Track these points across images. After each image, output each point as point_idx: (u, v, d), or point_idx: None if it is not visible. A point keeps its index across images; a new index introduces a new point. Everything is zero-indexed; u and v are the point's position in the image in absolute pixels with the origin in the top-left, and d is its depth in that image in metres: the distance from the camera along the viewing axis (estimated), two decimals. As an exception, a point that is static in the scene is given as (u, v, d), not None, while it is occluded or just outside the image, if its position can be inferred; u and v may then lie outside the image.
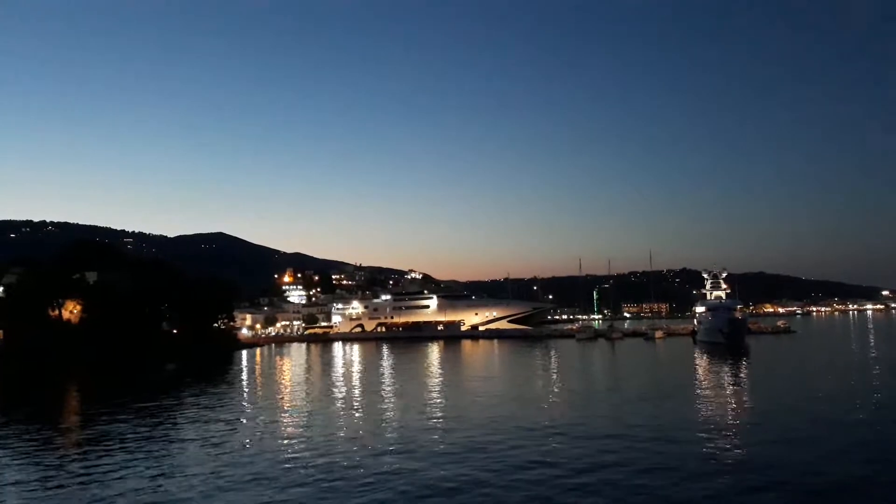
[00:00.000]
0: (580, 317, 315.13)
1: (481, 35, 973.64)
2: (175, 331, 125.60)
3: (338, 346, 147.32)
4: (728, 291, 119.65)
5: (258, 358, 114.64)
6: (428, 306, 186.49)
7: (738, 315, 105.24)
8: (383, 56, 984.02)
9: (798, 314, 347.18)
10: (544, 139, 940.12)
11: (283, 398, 56.24)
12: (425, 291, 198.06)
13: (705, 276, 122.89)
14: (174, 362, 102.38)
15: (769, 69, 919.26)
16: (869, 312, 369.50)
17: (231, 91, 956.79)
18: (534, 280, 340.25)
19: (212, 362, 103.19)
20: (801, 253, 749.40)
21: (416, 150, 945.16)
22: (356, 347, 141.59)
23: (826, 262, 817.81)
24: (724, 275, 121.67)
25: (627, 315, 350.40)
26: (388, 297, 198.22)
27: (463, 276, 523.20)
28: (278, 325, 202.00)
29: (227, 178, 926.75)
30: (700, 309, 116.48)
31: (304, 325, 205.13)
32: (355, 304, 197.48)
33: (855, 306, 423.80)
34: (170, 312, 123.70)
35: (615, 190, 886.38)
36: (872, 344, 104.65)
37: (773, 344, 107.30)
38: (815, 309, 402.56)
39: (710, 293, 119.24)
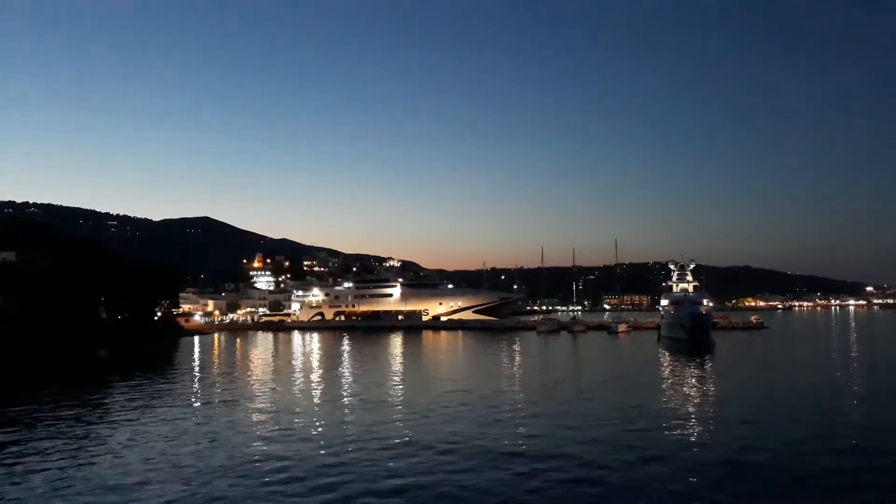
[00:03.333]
0: (559, 308, 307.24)
1: (459, 31, 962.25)
2: (116, 317, 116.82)
3: (286, 336, 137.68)
4: (696, 284, 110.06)
5: (200, 346, 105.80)
6: (391, 294, 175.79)
7: (703, 309, 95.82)
8: (372, 48, 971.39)
9: (779, 309, 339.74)
10: (539, 127, 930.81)
11: (207, 389, 50.62)
12: (400, 280, 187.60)
13: (672, 266, 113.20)
14: (107, 349, 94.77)
15: (756, 63, 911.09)
16: (851, 308, 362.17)
17: (219, 76, 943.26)
18: (520, 270, 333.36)
19: (147, 350, 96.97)
20: (788, 248, 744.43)
21: (408, 136, 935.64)
22: (302, 337, 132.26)
23: (812, 258, 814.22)
24: (692, 266, 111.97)
25: (607, 307, 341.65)
26: (350, 284, 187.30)
27: (451, 265, 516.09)
28: (239, 312, 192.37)
29: (213, 162, 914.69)
30: (664, 302, 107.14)
31: (268, 311, 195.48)
32: (316, 290, 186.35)
33: (837, 302, 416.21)
34: (105, 297, 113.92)
35: (606, 180, 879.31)
36: (841, 342, 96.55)
37: (742, 341, 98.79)
38: (797, 304, 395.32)
39: (676, 285, 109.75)
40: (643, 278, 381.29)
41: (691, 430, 31.36)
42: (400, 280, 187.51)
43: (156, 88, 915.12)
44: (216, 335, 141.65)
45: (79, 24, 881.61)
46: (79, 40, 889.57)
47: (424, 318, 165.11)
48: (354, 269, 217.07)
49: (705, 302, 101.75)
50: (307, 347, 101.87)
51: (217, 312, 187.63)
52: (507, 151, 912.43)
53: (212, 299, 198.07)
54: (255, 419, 35.76)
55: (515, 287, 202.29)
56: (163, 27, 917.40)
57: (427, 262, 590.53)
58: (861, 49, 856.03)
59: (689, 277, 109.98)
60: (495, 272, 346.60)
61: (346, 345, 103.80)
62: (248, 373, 63.04)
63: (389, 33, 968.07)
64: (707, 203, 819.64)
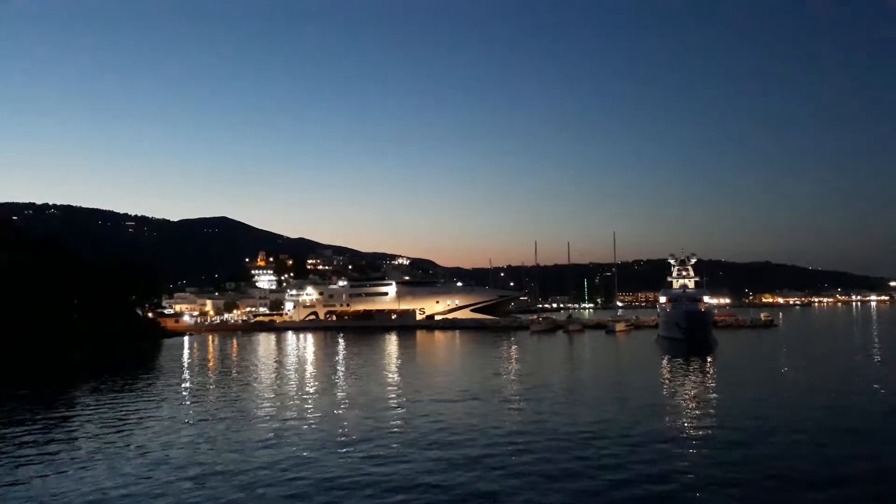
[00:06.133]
0: (570, 305, 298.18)
1: (463, 33, 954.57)
2: (89, 318, 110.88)
3: (269, 337, 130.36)
4: (697, 280, 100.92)
5: (176, 348, 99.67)
6: (386, 293, 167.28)
7: (702, 307, 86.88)
8: (386, 51, 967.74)
9: (797, 305, 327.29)
10: (555, 127, 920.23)
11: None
12: (407, 278, 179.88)
13: (671, 261, 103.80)
14: (80, 353, 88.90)
15: (769, 55, 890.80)
16: (872, 303, 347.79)
17: (237, 77, 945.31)
18: (534, 267, 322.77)
19: (121, 353, 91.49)
20: (809, 243, 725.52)
21: (424, 134, 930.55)
22: (284, 338, 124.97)
23: (834, 253, 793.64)
24: (693, 261, 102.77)
25: (620, 304, 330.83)
26: (345, 282, 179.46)
27: (467, 263, 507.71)
28: (236, 311, 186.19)
29: (231, 162, 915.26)
30: (662, 299, 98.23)
31: (267, 311, 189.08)
32: (310, 289, 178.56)
33: (858, 297, 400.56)
34: (76, 298, 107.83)
35: (624, 177, 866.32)
36: (853, 339, 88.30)
37: (748, 340, 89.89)
38: (816, 300, 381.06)
39: (676, 281, 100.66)
40: (661, 275, 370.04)
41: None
42: (407, 278, 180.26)
43: (174, 90, 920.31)
44: (205, 336, 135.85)
45: (97, 26, 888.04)
46: (97, 43, 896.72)
47: (418, 318, 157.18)
48: (350, 266, 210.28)
49: (705, 299, 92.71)
50: (280, 351, 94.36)
51: (212, 312, 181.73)
52: (522, 151, 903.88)
53: (210, 299, 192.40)
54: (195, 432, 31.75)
55: (512, 285, 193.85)
56: (181, 28, 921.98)
57: (444, 260, 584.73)
58: (882, 44, 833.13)
59: (691, 273, 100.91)
60: (511, 269, 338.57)
61: (319, 348, 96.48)
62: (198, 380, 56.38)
63: (400, 36, 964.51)
64: (727, 199, 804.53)
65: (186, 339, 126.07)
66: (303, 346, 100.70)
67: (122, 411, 37.87)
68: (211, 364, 73.56)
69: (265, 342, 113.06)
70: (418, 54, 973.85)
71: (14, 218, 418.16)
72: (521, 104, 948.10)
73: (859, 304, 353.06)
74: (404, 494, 20.56)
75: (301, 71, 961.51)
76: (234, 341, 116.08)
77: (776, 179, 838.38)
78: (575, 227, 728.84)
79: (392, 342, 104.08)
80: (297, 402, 41.25)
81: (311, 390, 47.43)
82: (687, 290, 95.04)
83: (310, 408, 38.38)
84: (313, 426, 32.33)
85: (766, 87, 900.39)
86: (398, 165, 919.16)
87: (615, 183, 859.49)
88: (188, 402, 42.56)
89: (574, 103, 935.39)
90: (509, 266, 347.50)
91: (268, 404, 40.34)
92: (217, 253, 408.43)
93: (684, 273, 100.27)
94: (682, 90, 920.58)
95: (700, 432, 29.06)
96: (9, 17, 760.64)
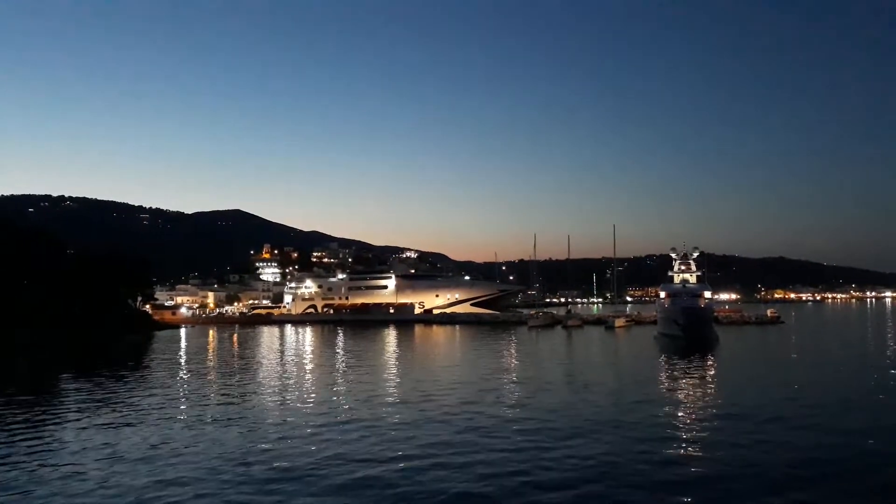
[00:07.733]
0: (578, 300, 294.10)
1: (465, 32, 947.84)
2: (75, 310, 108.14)
3: (262, 330, 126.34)
4: (698, 275, 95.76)
5: (160, 342, 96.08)
6: (386, 286, 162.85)
7: (702, 303, 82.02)
8: (392, 46, 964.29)
9: (810, 301, 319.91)
10: (568, 121, 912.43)
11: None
12: (412, 271, 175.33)
13: (673, 255, 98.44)
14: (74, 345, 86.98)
15: (780, 53, 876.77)
16: (887, 300, 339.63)
17: (251, 69, 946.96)
18: (547, 262, 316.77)
19: (109, 345, 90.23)
20: (823, 238, 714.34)
21: (440, 131, 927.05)
22: (279, 331, 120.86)
23: (850, 249, 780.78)
24: (696, 255, 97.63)
25: (630, 299, 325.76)
26: (343, 275, 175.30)
27: (479, 257, 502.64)
28: (238, 304, 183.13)
29: (246, 155, 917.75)
30: (661, 294, 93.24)
31: (270, 304, 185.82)
32: (308, 282, 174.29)
33: (873, 293, 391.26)
34: (60, 289, 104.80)
35: (625, 171, 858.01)
36: (865, 339, 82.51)
37: (751, 337, 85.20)
38: (830, 296, 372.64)
39: (677, 276, 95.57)
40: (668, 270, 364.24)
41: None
42: (412, 271, 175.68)
43: (189, 84, 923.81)
44: (202, 329, 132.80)
45: (113, 20, 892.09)
46: (113, 37, 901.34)
47: (417, 311, 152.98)
48: (351, 259, 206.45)
49: (707, 294, 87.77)
50: (268, 345, 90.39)
51: (213, 304, 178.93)
52: (527, 145, 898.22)
53: (211, 291, 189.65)
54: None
55: (512, 278, 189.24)
56: (195, 22, 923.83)
57: (456, 254, 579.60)
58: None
59: (692, 267, 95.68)
60: (520, 263, 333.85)
61: (311, 342, 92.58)
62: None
63: (410, 33, 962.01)
64: (740, 193, 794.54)
65: (183, 331, 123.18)
66: (293, 341, 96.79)
67: (103, 409, 34.98)
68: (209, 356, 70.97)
69: (258, 336, 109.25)
70: (427, 51, 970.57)
71: (31, 210, 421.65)
72: (526, 101, 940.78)
73: (874, 300, 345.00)
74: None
75: (314, 66, 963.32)
76: (234, 336, 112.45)
77: (791, 174, 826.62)
78: (584, 221, 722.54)
79: (389, 337, 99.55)
80: (278, 398, 38.41)
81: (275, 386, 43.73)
82: (687, 286, 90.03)
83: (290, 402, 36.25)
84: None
85: (771, 82, 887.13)
86: (408, 160, 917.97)
87: (623, 177, 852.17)
88: (182, 396, 40.13)
89: (580, 99, 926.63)
90: (521, 260, 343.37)
91: (246, 401, 37.62)
92: (231, 246, 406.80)
93: (685, 267, 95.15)
94: (691, 84, 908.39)
95: (677, 431, 27.57)
96: (23, 10, 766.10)
